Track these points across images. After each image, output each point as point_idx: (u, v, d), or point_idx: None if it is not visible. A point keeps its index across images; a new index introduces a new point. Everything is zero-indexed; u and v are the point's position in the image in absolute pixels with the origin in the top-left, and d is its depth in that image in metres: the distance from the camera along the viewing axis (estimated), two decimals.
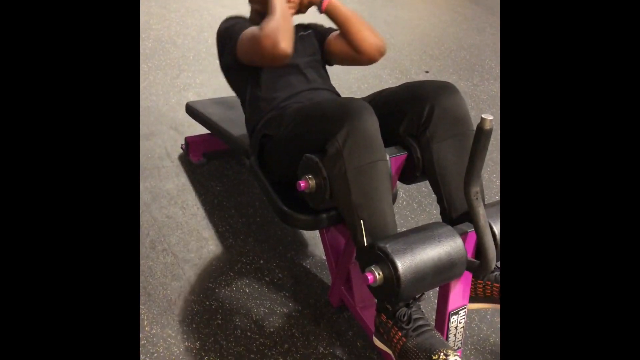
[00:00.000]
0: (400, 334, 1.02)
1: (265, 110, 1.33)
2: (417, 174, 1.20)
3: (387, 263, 0.96)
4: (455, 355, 0.95)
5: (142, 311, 1.33)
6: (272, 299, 1.43)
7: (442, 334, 1.13)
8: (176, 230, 1.60)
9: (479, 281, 1.20)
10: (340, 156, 1.03)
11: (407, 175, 1.22)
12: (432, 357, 0.95)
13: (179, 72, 2.48)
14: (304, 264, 1.57)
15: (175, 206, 1.70)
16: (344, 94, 2.60)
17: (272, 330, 1.34)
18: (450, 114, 1.15)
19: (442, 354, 0.95)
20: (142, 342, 1.25)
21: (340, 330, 1.37)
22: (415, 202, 1.91)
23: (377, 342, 1.11)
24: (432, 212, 1.86)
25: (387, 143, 1.16)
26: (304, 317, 1.39)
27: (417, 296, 1.07)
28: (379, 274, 0.98)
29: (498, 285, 1.18)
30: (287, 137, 1.20)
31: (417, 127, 1.16)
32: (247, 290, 1.45)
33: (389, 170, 1.08)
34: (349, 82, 2.74)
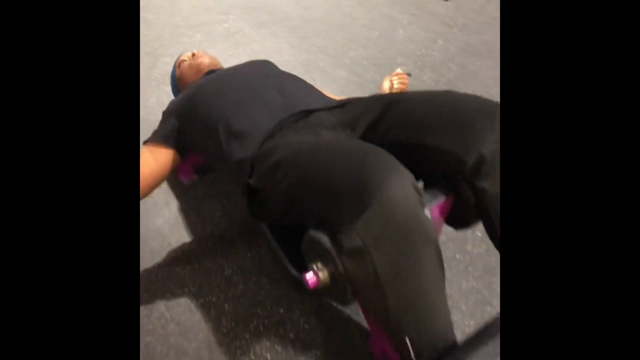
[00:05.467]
0: None
1: (249, 160, 0.96)
2: (470, 218, 0.85)
3: None
4: None
5: None
6: None
7: None
8: (172, 286, 1.31)
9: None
10: (366, 253, 0.68)
11: (457, 219, 0.87)
12: None
13: (154, 59, 2.10)
14: (332, 302, 1.28)
15: (168, 247, 1.40)
16: (352, 48, 2.19)
17: None
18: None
19: None
20: None
21: None
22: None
23: None
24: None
25: (418, 174, 0.80)
26: None
27: None
28: None
29: None
30: (280, 199, 0.85)
31: (461, 170, 0.79)
32: (269, 357, 1.18)
33: (440, 253, 0.73)
34: (355, 31, 2.29)
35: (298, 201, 0.80)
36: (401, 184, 0.68)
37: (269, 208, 0.93)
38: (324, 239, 0.72)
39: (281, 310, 1.26)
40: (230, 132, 1.02)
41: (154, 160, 1.19)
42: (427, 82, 1.98)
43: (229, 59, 2.10)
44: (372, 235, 0.67)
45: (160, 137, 1.20)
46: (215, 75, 1.20)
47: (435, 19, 2.39)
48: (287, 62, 2.11)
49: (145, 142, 1.22)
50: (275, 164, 0.85)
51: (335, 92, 1.94)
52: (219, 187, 1.57)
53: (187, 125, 1.19)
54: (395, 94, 0.95)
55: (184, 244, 1.42)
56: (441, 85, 1.96)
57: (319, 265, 0.74)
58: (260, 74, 1.17)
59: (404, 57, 2.11)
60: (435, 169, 0.83)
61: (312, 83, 1.98)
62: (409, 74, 1.96)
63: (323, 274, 0.74)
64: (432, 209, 0.81)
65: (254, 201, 0.97)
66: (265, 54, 2.15)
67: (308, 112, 1.01)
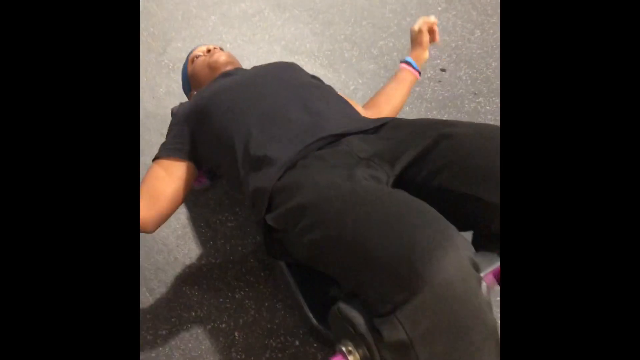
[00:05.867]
0: None
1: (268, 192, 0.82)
2: None
3: None
4: None
5: None
6: None
7: None
8: (178, 308, 1.20)
9: None
10: (411, 351, 0.54)
11: None
12: None
13: (165, 43, 1.94)
14: None
15: (174, 263, 1.28)
16: (381, 37, 2.01)
17: None
18: None
19: None
20: None
21: None
22: None
23: None
24: None
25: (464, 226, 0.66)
26: None
27: None
28: None
29: None
30: (302, 249, 0.71)
31: None
32: None
33: (499, 343, 0.58)
34: (385, 17, 2.10)
35: (324, 260, 0.66)
36: (458, 263, 0.54)
37: (289, 251, 0.79)
38: (359, 320, 0.58)
39: (297, 342, 1.14)
40: (248, 155, 0.88)
41: (173, 177, 1.05)
42: (463, 78, 1.80)
43: (245, 46, 1.93)
44: (422, 330, 0.53)
45: (173, 151, 1.06)
46: (232, 81, 1.05)
47: (473, 6, 2.19)
48: (309, 51, 1.94)
49: (156, 158, 1.08)
50: (298, 208, 0.70)
51: (361, 87, 1.78)
52: (232, 193, 1.44)
53: (199, 137, 1.05)
54: (446, 125, 0.79)
55: (191, 259, 1.30)
56: (478, 84, 1.78)
57: (350, 347, 0.61)
58: (284, 85, 1.01)
59: (438, 49, 1.92)
60: (489, 225, 0.69)
61: (336, 76, 1.81)
62: (442, 70, 1.78)
63: (354, 358, 0.61)
64: (486, 275, 0.67)
65: (271, 238, 0.84)
66: (284, 41, 1.98)
67: (337, 137, 0.86)
